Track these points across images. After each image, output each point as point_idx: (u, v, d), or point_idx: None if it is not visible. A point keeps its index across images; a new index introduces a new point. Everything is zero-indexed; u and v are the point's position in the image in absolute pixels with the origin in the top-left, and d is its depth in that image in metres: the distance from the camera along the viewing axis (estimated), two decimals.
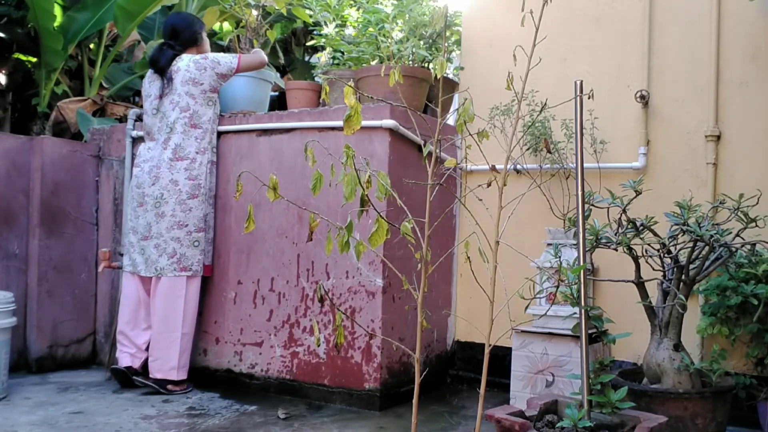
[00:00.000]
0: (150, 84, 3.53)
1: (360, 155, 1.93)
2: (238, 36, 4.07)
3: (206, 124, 3.44)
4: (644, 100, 3.17)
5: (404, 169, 3.20)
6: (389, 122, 3.07)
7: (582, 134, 2.00)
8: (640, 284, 2.49)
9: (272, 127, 3.43)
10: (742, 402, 2.68)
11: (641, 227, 2.44)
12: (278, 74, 5.91)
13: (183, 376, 3.36)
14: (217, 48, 5.22)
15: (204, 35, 3.63)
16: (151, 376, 3.32)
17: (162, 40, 3.58)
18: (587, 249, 2.41)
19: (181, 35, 3.51)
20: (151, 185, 3.37)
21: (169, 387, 3.31)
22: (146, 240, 3.38)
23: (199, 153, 3.40)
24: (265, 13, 4.18)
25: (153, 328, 3.36)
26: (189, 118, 3.39)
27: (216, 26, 5.59)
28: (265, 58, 3.63)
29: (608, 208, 2.46)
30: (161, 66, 3.45)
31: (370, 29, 3.63)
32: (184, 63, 3.41)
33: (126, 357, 3.42)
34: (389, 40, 3.56)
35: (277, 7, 4.09)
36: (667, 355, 2.43)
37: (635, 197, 2.46)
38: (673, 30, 3.18)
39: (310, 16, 3.93)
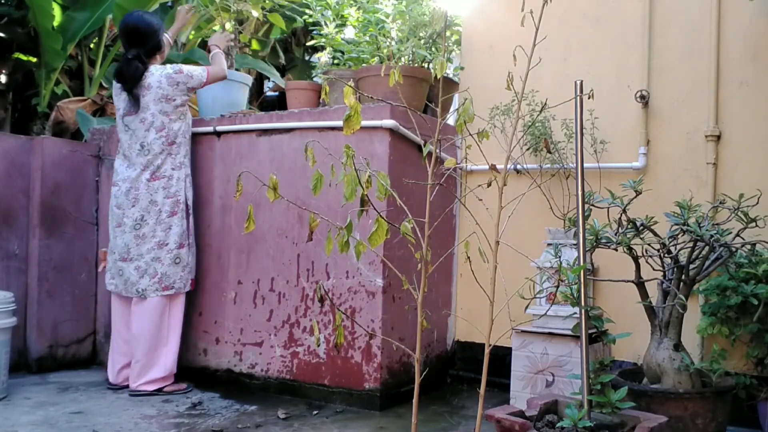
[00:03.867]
0: (117, 97, 3.43)
1: (360, 155, 1.93)
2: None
3: (180, 138, 3.39)
4: (644, 100, 3.17)
5: (404, 169, 3.20)
6: (389, 122, 3.07)
7: (582, 134, 2.00)
8: (640, 284, 2.48)
9: (272, 127, 3.43)
10: (742, 402, 2.68)
11: (641, 227, 2.44)
12: (278, 74, 5.92)
13: (172, 376, 3.36)
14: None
15: (165, 37, 3.55)
16: (144, 390, 3.29)
17: (125, 49, 3.40)
18: (587, 249, 2.41)
19: (147, 43, 3.37)
20: (130, 207, 3.33)
21: (167, 389, 3.32)
22: (124, 261, 3.34)
23: (175, 169, 3.37)
24: (241, 18, 4.21)
25: (139, 346, 3.29)
26: (165, 137, 3.34)
27: (217, 27, 5.60)
28: (226, 69, 3.57)
29: (608, 208, 2.46)
30: (129, 82, 3.32)
31: (370, 29, 3.63)
32: (155, 78, 3.31)
33: (120, 377, 3.41)
34: (389, 40, 3.56)
35: (254, 13, 4.11)
36: (667, 355, 2.43)
37: (635, 197, 2.46)
38: (673, 30, 3.18)
39: (310, 16, 3.93)
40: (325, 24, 3.84)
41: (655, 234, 2.45)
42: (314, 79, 4.21)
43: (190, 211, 3.44)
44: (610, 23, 3.34)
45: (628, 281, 2.51)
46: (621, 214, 2.46)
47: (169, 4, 5.45)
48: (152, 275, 3.31)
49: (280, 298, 3.35)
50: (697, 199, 2.69)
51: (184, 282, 3.37)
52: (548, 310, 2.55)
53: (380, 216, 1.72)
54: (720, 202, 2.51)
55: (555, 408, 2.11)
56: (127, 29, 3.39)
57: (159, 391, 3.29)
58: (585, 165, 2.08)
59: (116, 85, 3.43)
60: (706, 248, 2.41)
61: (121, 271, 3.36)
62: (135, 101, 3.32)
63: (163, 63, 3.59)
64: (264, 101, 6.65)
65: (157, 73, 3.33)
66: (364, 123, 2.14)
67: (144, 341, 3.29)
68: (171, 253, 3.33)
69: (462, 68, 3.74)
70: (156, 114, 3.32)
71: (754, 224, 2.39)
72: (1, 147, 3.70)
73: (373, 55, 3.63)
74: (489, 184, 1.86)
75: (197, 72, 3.42)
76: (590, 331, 2.48)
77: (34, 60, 5.09)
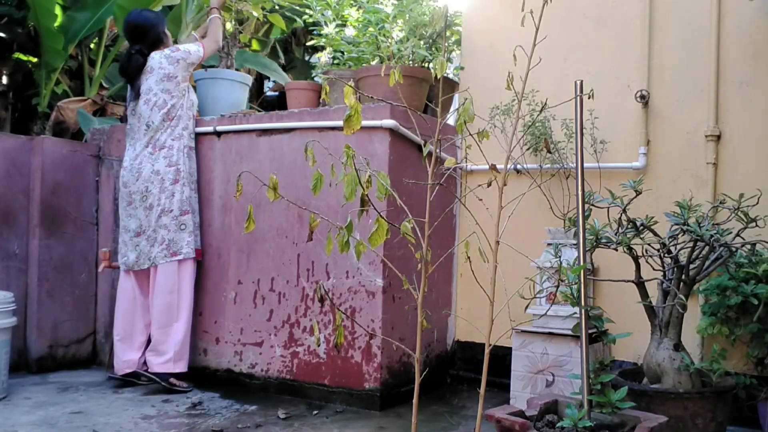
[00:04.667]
0: (128, 91, 3.63)
1: (360, 155, 1.93)
2: None
3: (179, 111, 3.49)
4: (644, 100, 3.17)
5: (404, 169, 3.20)
6: (389, 122, 3.07)
7: (582, 134, 2.00)
8: (640, 284, 2.48)
9: (272, 127, 3.43)
10: (742, 402, 2.68)
11: (641, 227, 2.44)
12: (279, 69, 5.91)
13: (183, 368, 3.38)
14: None
15: (167, 31, 3.66)
16: (150, 370, 3.34)
17: (129, 45, 3.58)
18: (587, 249, 2.41)
19: (147, 37, 3.52)
20: (135, 181, 3.45)
21: (172, 380, 3.33)
22: (139, 236, 3.44)
23: (174, 140, 3.46)
24: (241, 18, 4.22)
25: (153, 322, 3.39)
26: (167, 113, 3.45)
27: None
28: (220, 39, 3.72)
29: (608, 208, 2.46)
30: (131, 74, 3.51)
31: (370, 29, 3.63)
32: (156, 61, 3.46)
33: (123, 365, 3.43)
34: (389, 40, 3.56)
35: (254, 13, 4.13)
36: (667, 355, 2.43)
37: (635, 197, 2.46)
38: (673, 30, 3.18)
39: (310, 16, 3.93)
40: (325, 24, 3.84)
41: (655, 234, 2.45)
42: (314, 79, 4.21)
43: (192, 180, 3.52)
44: (610, 23, 3.34)
45: (628, 281, 2.51)
46: (621, 214, 2.46)
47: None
48: (160, 242, 3.39)
49: (280, 298, 3.35)
50: (697, 199, 2.69)
51: (191, 248, 3.43)
52: (548, 310, 2.55)
53: (380, 216, 1.72)
54: (720, 202, 2.51)
55: (555, 408, 2.12)
56: (128, 26, 3.57)
57: (165, 379, 3.30)
58: (585, 165, 2.08)
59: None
60: (706, 248, 2.41)
61: (136, 246, 3.44)
62: (138, 89, 3.48)
63: None
64: (264, 101, 6.65)
65: (156, 56, 3.49)
66: (364, 123, 2.14)
67: (158, 315, 3.36)
68: (176, 220, 3.40)
69: (462, 68, 3.74)
70: (158, 93, 3.44)
71: (754, 224, 2.39)
72: (1, 147, 3.70)
73: (373, 55, 3.63)
74: (489, 184, 1.86)
75: (194, 48, 3.55)
76: (590, 331, 2.48)
77: (35, 60, 5.09)
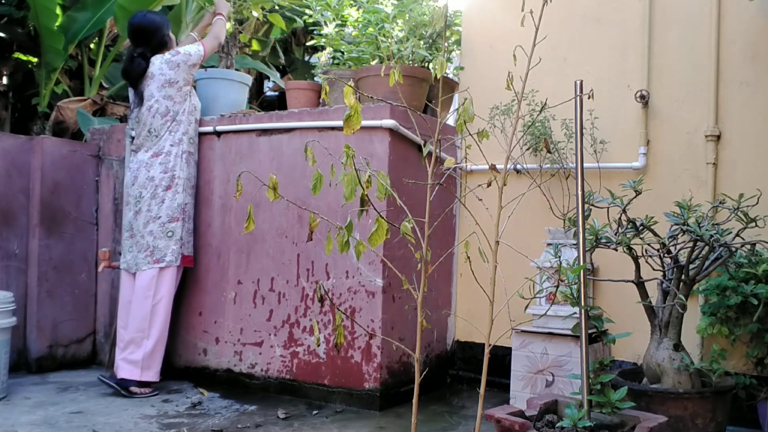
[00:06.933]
0: (131, 94, 3.59)
1: (360, 155, 1.93)
2: None
3: (180, 116, 3.47)
4: (644, 100, 3.17)
5: (404, 169, 3.20)
6: (389, 122, 3.07)
7: (582, 134, 2.00)
8: (640, 284, 2.48)
9: (272, 127, 3.43)
10: (742, 402, 2.68)
11: (641, 227, 2.44)
12: (278, 74, 5.92)
13: (152, 377, 3.32)
14: None
15: (171, 34, 3.61)
16: (118, 375, 3.29)
17: (132, 48, 3.52)
18: (587, 249, 2.40)
19: (152, 40, 3.48)
20: (131, 185, 3.46)
21: (132, 389, 3.26)
22: (131, 238, 3.45)
23: (174, 145, 3.44)
24: (241, 18, 4.21)
25: (128, 325, 3.35)
26: (171, 120, 3.43)
27: None
28: (222, 37, 3.68)
29: (608, 208, 2.46)
30: (133, 79, 3.47)
31: (370, 29, 3.63)
32: (156, 67, 3.42)
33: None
34: (389, 40, 3.56)
35: (254, 13, 4.13)
36: (667, 354, 2.43)
37: (635, 197, 2.46)
38: (673, 30, 3.18)
39: (310, 16, 3.93)
40: (325, 24, 3.84)
41: (655, 234, 2.45)
42: (314, 79, 4.21)
43: (190, 186, 3.50)
44: (610, 23, 3.34)
45: (628, 281, 2.51)
46: (621, 214, 2.46)
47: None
48: (145, 248, 3.37)
49: (280, 297, 3.35)
50: (697, 199, 2.69)
51: (175, 256, 3.38)
52: (548, 310, 2.55)
53: (380, 216, 1.72)
54: (720, 202, 2.51)
55: (555, 408, 2.11)
56: (132, 28, 3.52)
57: (125, 387, 3.23)
58: (585, 165, 2.08)
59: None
60: (706, 248, 2.41)
61: (130, 248, 3.45)
62: (141, 95, 3.45)
63: None
64: (264, 101, 6.65)
65: (157, 62, 3.44)
66: (364, 123, 2.14)
67: (133, 321, 3.32)
68: (163, 227, 3.37)
69: (462, 68, 3.74)
70: (160, 100, 3.42)
71: (753, 224, 2.39)
72: (1, 147, 3.70)
73: (373, 55, 3.63)
74: (489, 184, 1.86)
75: (194, 48, 3.51)
76: (590, 331, 2.48)
77: (35, 60, 5.09)
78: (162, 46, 3.51)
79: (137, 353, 3.30)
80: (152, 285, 3.35)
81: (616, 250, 2.47)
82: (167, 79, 3.41)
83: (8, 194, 3.72)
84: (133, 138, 3.56)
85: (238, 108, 3.83)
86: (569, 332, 2.79)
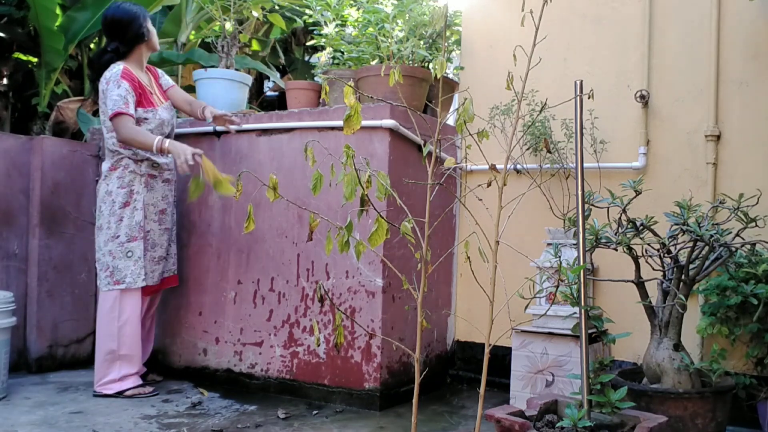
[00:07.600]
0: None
1: (360, 155, 1.93)
2: (213, 41, 4.02)
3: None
4: (644, 100, 3.17)
5: (404, 169, 3.20)
6: (389, 122, 3.07)
7: (582, 134, 2.01)
8: (640, 284, 2.49)
9: (272, 127, 3.43)
10: (742, 402, 2.68)
11: (641, 227, 2.44)
12: (278, 74, 5.93)
13: (131, 380, 3.23)
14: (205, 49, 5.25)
15: (150, 27, 3.30)
16: (102, 391, 3.20)
17: (107, 41, 3.29)
18: (587, 249, 2.41)
19: (127, 32, 3.19)
20: (95, 200, 3.32)
21: (128, 393, 3.19)
22: (96, 254, 3.30)
23: (134, 161, 3.23)
24: (241, 18, 4.21)
25: (99, 345, 3.23)
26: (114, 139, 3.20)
27: (217, 26, 5.63)
28: (136, 140, 3.10)
29: (608, 208, 2.46)
30: (94, 73, 3.25)
31: (370, 29, 3.63)
32: (104, 76, 3.17)
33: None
34: (389, 40, 3.56)
35: (254, 13, 4.11)
36: (667, 354, 2.43)
37: (635, 197, 2.46)
38: (673, 30, 3.18)
39: (310, 16, 3.93)
40: (325, 24, 3.84)
41: (655, 234, 2.45)
42: (314, 79, 4.21)
43: (154, 212, 3.28)
44: (610, 23, 3.34)
45: (628, 281, 2.51)
46: (621, 214, 2.46)
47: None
48: (105, 268, 3.21)
49: (280, 297, 3.35)
50: (697, 199, 2.69)
51: (134, 277, 3.19)
52: (548, 310, 2.55)
53: (380, 216, 1.72)
54: (720, 202, 2.52)
55: (555, 408, 2.12)
56: (105, 22, 3.26)
57: (121, 394, 3.19)
58: (585, 165, 2.08)
59: None
60: (706, 248, 2.41)
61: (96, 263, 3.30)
62: (98, 94, 3.24)
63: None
64: (264, 101, 6.66)
65: (103, 82, 3.17)
66: (364, 123, 2.14)
67: (98, 340, 3.22)
68: (122, 246, 3.18)
69: (462, 68, 3.74)
70: (104, 115, 3.21)
71: (753, 224, 2.39)
72: (1, 147, 3.70)
73: (373, 55, 3.63)
74: (489, 184, 1.86)
75: (111, 102, 3.10)
76: (590, 331, 2.48)
77: (35, 60, 5.09)
78: (138, 38, 3.23)
79: (113, 373, 3.19)
80: (115, 307, 3.18)
81: (616, 250, 2.48)
82: (101, 96, 3.18)
83: (8, 194, 3.72)
84: None
85: (238, 108, 3.83)
86: (569, 332, 2.79)
